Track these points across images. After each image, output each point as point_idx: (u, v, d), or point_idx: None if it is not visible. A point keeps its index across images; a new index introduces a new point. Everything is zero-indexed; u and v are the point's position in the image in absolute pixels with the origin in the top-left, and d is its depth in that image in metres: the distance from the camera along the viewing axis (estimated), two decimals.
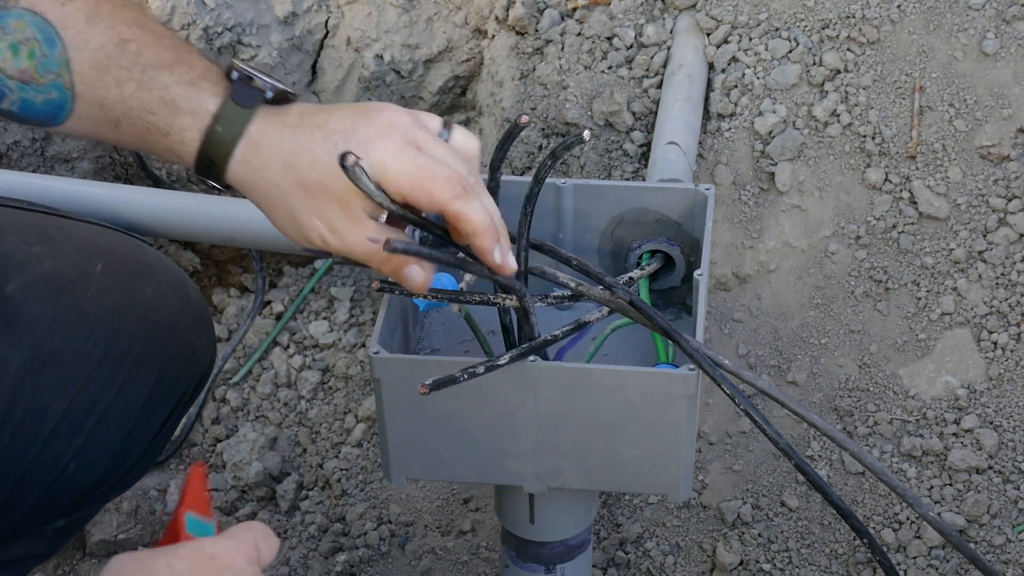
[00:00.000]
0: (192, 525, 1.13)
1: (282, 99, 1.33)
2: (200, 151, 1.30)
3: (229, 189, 1.33)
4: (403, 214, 1.31)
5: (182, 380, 1.52)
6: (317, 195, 1.28)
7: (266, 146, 1.30)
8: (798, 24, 2.07)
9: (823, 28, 2.06)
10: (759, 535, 1.96)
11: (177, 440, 2.18)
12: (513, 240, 1.49)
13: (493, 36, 2.27)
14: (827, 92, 2.04)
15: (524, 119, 1.33)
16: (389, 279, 1.37)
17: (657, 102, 2.08)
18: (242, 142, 1.29)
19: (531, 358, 1.43)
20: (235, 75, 1.31)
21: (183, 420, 2.21)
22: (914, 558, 1.92)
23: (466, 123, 2.42)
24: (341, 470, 2.12)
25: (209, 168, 1.30)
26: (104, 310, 1.43)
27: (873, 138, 2.03)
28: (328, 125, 1.28)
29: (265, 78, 1.32)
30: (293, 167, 1.28)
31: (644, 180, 1.98)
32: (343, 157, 1.25)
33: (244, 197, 1.33)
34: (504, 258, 1.31)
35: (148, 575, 1.04)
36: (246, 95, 1.31)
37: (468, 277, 1.49)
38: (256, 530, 1.10)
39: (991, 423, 1.96)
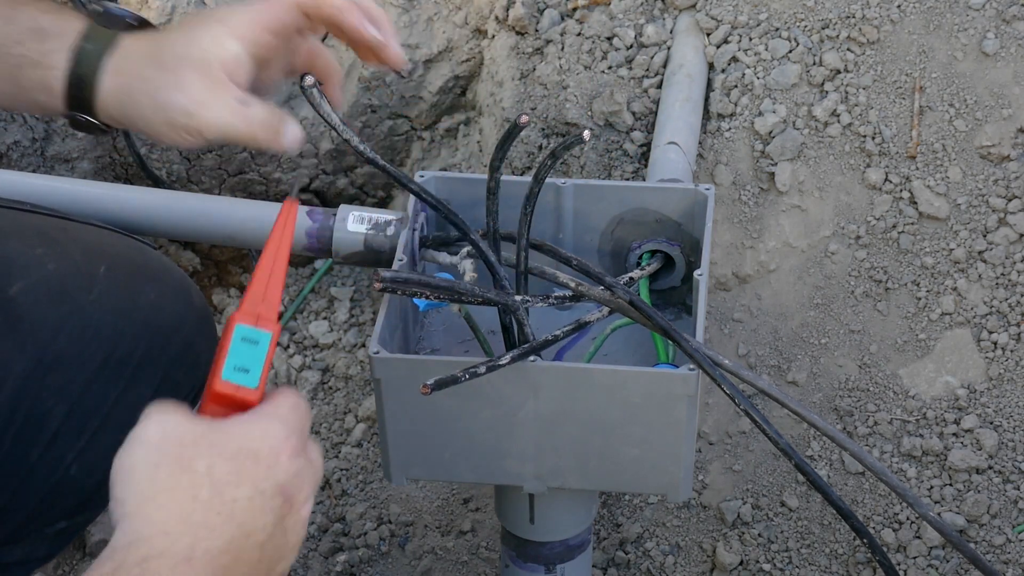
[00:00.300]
0: (238, 344, 1.03)
1: (144, 26, 1.36)
2: (70, 71, 1.30)
3: (98, 129, 1.33)
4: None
5: (185, 383, 1.52)
6: (176, 69, 1.28)
7: (133, 51, 1.31)
8: (798, 24, 2.07)
9: (823, 28, 2.06)
10: (759, 535, 1.96)
11: None
12: (512, 239, 1.49)
13: (493, 36, 2.27)
14: (827, 92, 2.04)
15: (524, 119, 1.33)
16: (389, 277, 1.37)
17: (657, 102, 2.08)
18: (110, 53, 1.31)
19: (531, 358, 1.43)
20: (94, 7, 1.35)
21: None
22: (914, 558, 1.92)
23: (466, 123, 2.42)
24: (341, 470, 2.12)
25: (79, 91, 1.31)
26: (107, 313, 1.43)
27: (873, 138, 2.03)
28: (187, 20, 1.31)
29: (124, 8, 1.35)
30: (154, 55, 1.30)
31: (644, 180, 1.98)
32: (302, 78, 1.28)
33: (113, 129, 1.34)
34: (388, 41, 1.31)
35: (187, 477, 0.98)
36: (109, 19, 1.34)
37: (469, 274, 1.49)
38: (299, 410, 1.04)
39: (991, 423, 1.96)
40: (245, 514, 0.99)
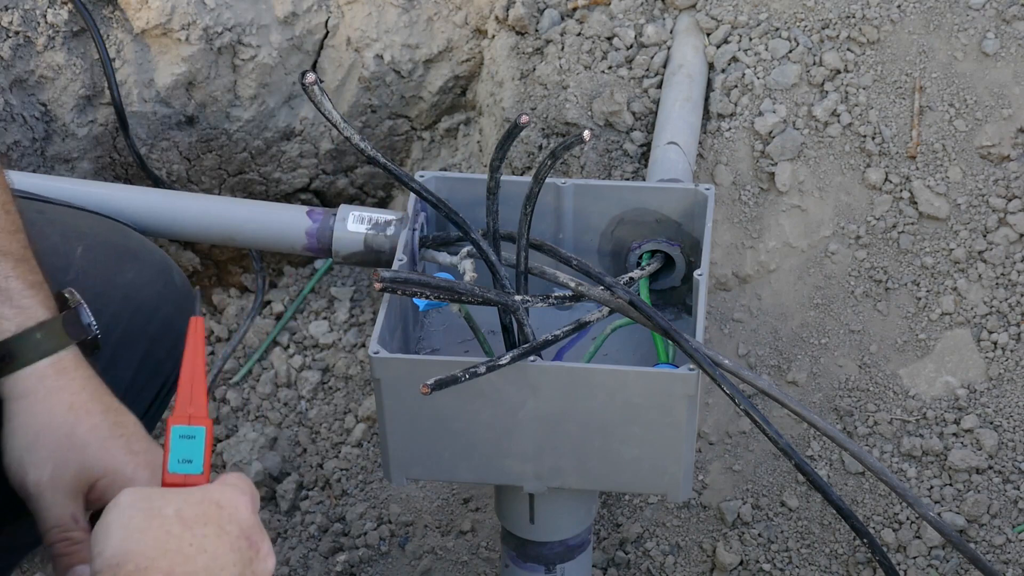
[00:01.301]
0: (177, 441, 1.13)
1: (94, 346, 1.36)
2: (4, 343, 1.29)
3: None
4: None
5: (167, 363, 1.52)
6: (75, 448, 1.29)
7: (72, 374, 1.31)
8: (798, 24, 2.07)
9: (823, 28, 2.06)
10: (759, 535, 1.96)
11: None
12: (512, 239, 1.49)
13: (493, 36, 2.27)
14: (827, 92, 2.04)
15: (524, 119, 1.33)
16: (389, 276, 1.37)
17: (657, 102, 2.08)
18: (53, 358, 1.30)
19: (531, 358, 1.43)
20: (71, 304, 1.34)
21: None
22: (914, 558, 1.92)
23: (466, 123, 2.42)
24: (341, 470, 2.12)
25: None
26: (85, 292, 1.43)
27: (873, 138, 2.03)
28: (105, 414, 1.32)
29: (92, 322, 1.34)
30: (72, 409, 1.31)
31: (644, 180, 1.98)
32: (303, 75, 1.28)
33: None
34: None
35: (157, 520, 1.05)
36: (75, 327, 1.33)
37: (469, 274, 1.49)
38: (247, 481, 1.12)
39: (991, 423, 1.96)
40: (215, 548, 1.05)
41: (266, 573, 1.09)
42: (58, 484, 1.28)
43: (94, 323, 1.34)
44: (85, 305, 1.34)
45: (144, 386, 1.50)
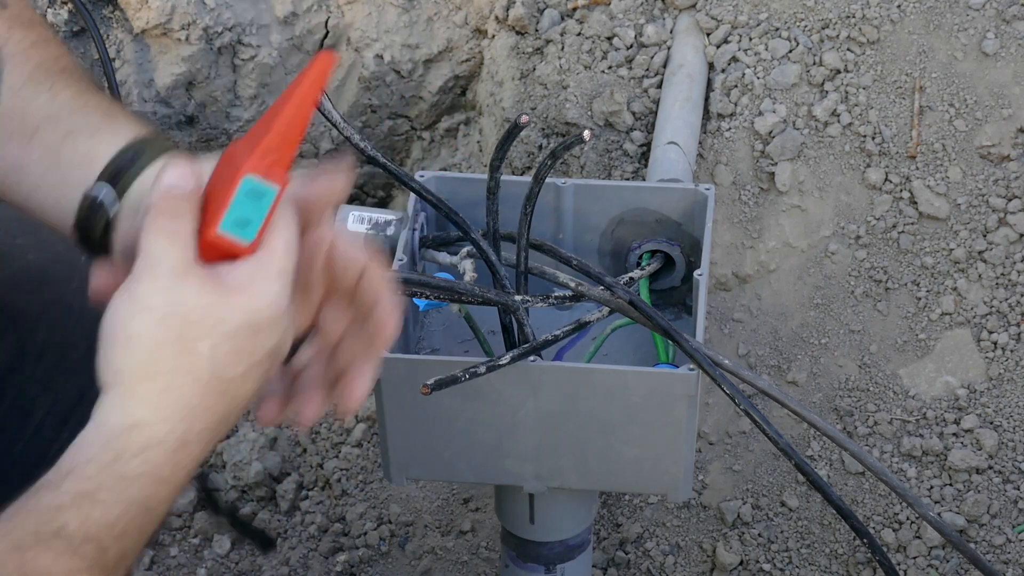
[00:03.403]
0: (243, 196, 0.95)
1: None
2: (114, 159, 1.20)
3: (97, 245, 1.22)
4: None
5: None
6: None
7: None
8: (798, 24, 2.07)
9: (823, 28, 2.06)
10: (759, 535, 1.96)
11: None
12: (512, 239, 1.49)
13: (493, 36, 2.26)
14: (827, 92, 2.04)
15: (524, 119, 1.33)
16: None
17: (657, 102, 2.08)
18: (158, 162, 1.26)
19: (531, 358, 1.43)
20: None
21: None
22: (914, 558, 1.92)
23: (466, 123, 2.42)
24: (341, 470, 2.12)
25: (112, 179, 1.24)
26: (89, 301, 1.43)
27: (873, 138, 2.03)
28: None
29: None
30: None
31: (644, 180, 1.98)
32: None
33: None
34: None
35: (189, 357, 0.97)
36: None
37: (469, 274, 1.49)
38: (292, 250, 1.00)
39: (991, 423, 1.96)
40: (239, 388, 0.99)
41: (281, 349, 1.00)
42: None
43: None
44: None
45: None
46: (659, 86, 2.09)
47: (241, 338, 0.98)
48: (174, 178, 1.02)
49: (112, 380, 0.98)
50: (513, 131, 1.38)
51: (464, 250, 1.52)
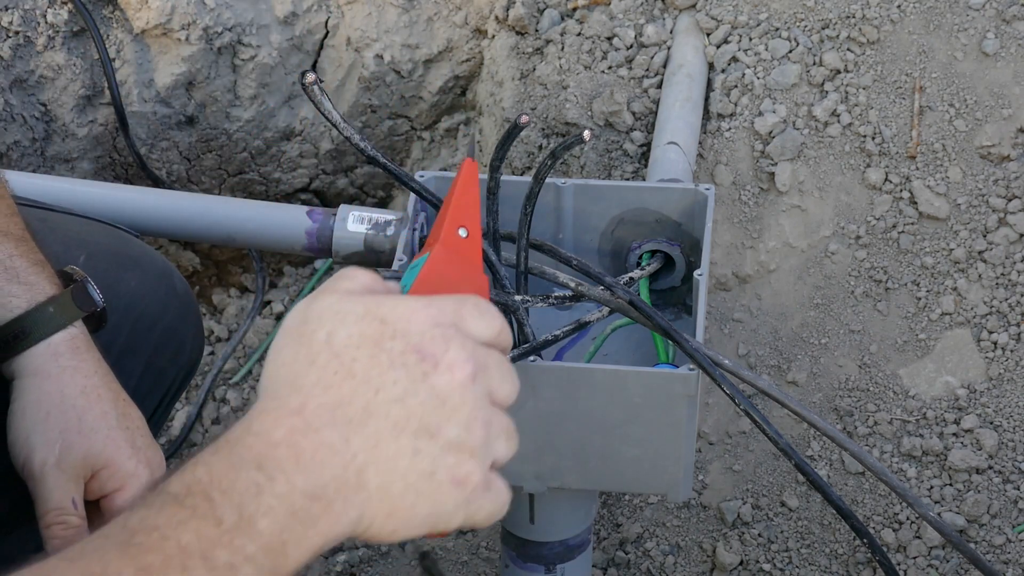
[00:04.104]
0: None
1: (101, 320, 1.34)
2: (17, 320, 1.28)
3: None
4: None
5: (169, 371, 1.51)
6: (83, 434, 1.27)
7: (84, 355, 1.29)
8: (798, 24, 2.07)
9: (823, 28, 2.06)
10: (759, 535, 1.96)
11: (177, 440, 2.18)
12: (512, 239, 1.49)
13: (493, 36, 2.27)
14: (827, 92, 2.04)
15: (524, 119, 1.33)
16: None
17: (657, 102, 2.08)
18: (65, 334, 1.29)
19: (531, 358, 1.43)
20: (76, 278, 1.33)
21: (184, 420, 2.21)
22: (914, 558, 1.92)
23: (466, 123, 2.42)
24: None
25: (9, 342, 1.28)
26: None
27: (873, 138, 2.03)
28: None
29: (99, 296, 1.32)
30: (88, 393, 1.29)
31: (644, 180, 1.98)
32: (303, 75, 1.26)
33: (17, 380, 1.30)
34: None
35: (304, 347, 0.91)
36: (83, 299, 1.31)
37: None
38: (464, 299, 0.95)
39: (991, 423, 1.96)
40: (367, 371, 0.91)
41: (451, 385, 0.92)
42: (64, 467, 1.26)
43: (100, 296, 1.33)
44: (90, 279, 1.34)
45: (147, 394, 1.50)
46: (659, 86, 2.09)
47: (363, 324, 0.92)
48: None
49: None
50: (513, 131, 1.38)
51: None
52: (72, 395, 1.28)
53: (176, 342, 1.52)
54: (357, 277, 0.95)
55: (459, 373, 0.93)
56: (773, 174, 2.03)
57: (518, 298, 1.45)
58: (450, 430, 0.93)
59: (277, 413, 0.89)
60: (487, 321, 0.95)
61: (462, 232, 1.03)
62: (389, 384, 0.91)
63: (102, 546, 0.83)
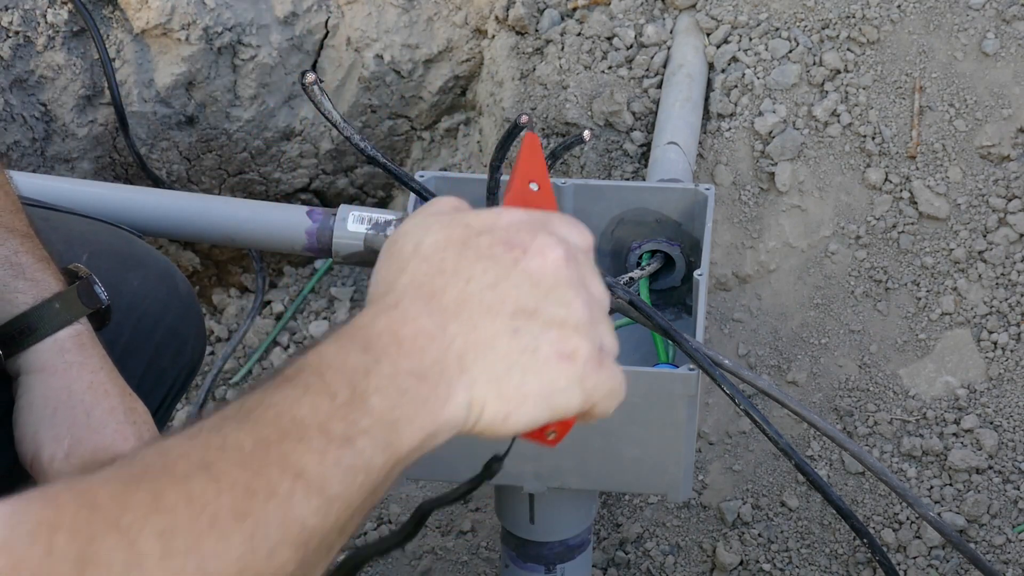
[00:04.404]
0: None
1: (105, 318, 1.34)
2: (23, 315, 1.29)
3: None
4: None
5: (170, 370, 1.52)
6: (91, 429, 1.28)
7: (90, 350, 1.30)
8: (798, 24, 2.07)
9: (823, 28, 2.06)
10: (759, 535, 1.96)
11: None
12: None
13: (493, 36, 2.26)
14: (827, 92, 2.04)
15: (524, 119, 1.33)
16: None
17: (657, 102, 2.08)
18: (71, 330, 1.30)
19: None
20: (81, 274, 1.33)
21: (185, 420, 2.21)
22: (914, 558, 1.91)
23: (466, 123, 2.42)
24: None
25: (15, 337, 1.29)
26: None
27: (873, 138, 2.03)
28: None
29: (104, 293, 1.33)
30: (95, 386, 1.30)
31: (644, 180, 1.98)
32: (303, 75, 1.27)
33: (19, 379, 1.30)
34: None
35: (395, 258, 0.93)
36: (89, 296, 1.32)
37: None
38: (552, 212, 0.96)
39: (991, 423, 1.96)
40: (456, 266, 0.92)
41: (543, 268, 0.91)
42: (74, 462, 1.26)
43: (105, 294, 1.34)
44: (95, 276, 1.34)
45: (149, 394, 1.50)
46: (659, 86, 2.09)
47: (452, 229, 0.94)
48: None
49: None
50: (513, 131, 1.38)
51: None
52: (79, 391, 1.28)
53: (178, 342, 1.52)
54: (443, 201, 0.97)
55: (551, 255, 0.92)
56: (773, 174, 2.03)
57: None
58: (548, 308, 0.92)
59: (376, 309, 0.91)
60: (578, 229, 0.96)
61: (533, 186, 1.04)
62: (479, 273, 0.91)
63: (220, 423, 0.85)
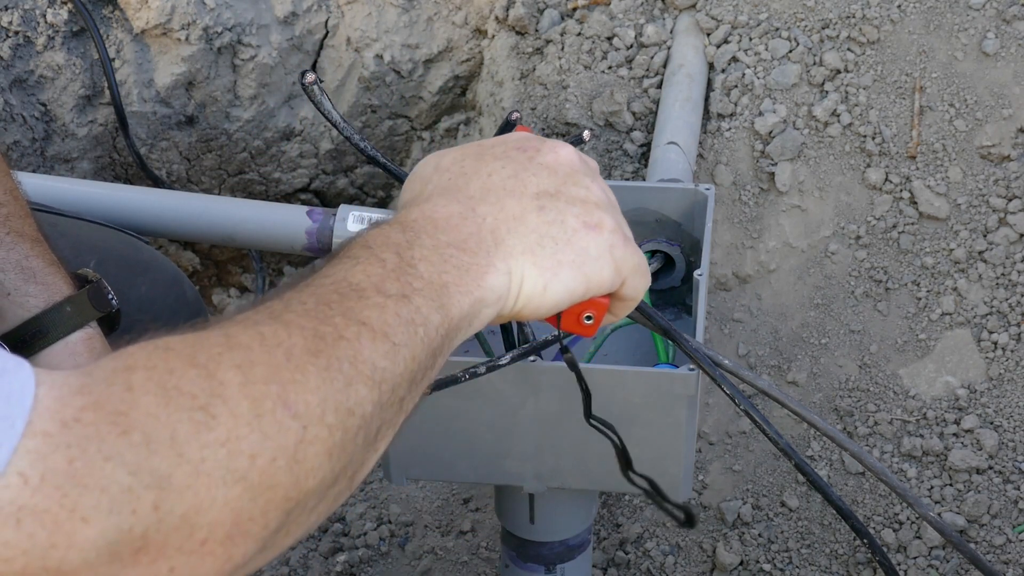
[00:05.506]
0: None
1: (115, 322, 1.35)
2: (35, 319, 1.28)
3: None
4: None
5: None
6: None
7: (101, 350, 1.30)
8: (798, 24, 2.07)
9: (823, 28, 2.06)
10: (759, 535, 1.96)
11: None
12: None
13: (493, 36, 2.26)
14: (827, 92, 2.04)
15: (516, 115, 1.33)
16: None
17: (657, 102, 2.08)
18: (82, 333, 1.30)
19: (531, 358, 1.43)
20: (91, 279, 1.34)
21: None
22: (914, 558, 1.91)
23: (466, 123, 2.42)
24: None
25: (27, 340, 1.29)
26: None
27: (873, 138, 2.03)
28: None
29: (113, 297, 1.33)
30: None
31: (644, 180, 1.98)
32: (303, 75, 1.28)
33: None
34: None
35: (419, 181, 1.03)
36: (99, 300, 1.32)
37: None
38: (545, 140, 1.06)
39: (991, 423, 1.96)
40: (476, 167, 1.01)
41: (558, 159, 1.02)
42: None
43: (115, 298, 1.34)
44: (104, 281, 1.34)
45: None
46: (659, 86, 2.09)
47: (468, 148, 1.04)
48: None
49: None
50: (505, 128, 1.38)
51: None
52: None
53: None
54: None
55: (563, 151, 1.02)
56: (773, 174, 2.03)
57: None
58: (569, 188, 1.01)
59: (407, 208, 1.00)
60: (583, 154, 1.04)
61: None
62: (498, 169, 1.00)
63: (280, 291, 0.92)
